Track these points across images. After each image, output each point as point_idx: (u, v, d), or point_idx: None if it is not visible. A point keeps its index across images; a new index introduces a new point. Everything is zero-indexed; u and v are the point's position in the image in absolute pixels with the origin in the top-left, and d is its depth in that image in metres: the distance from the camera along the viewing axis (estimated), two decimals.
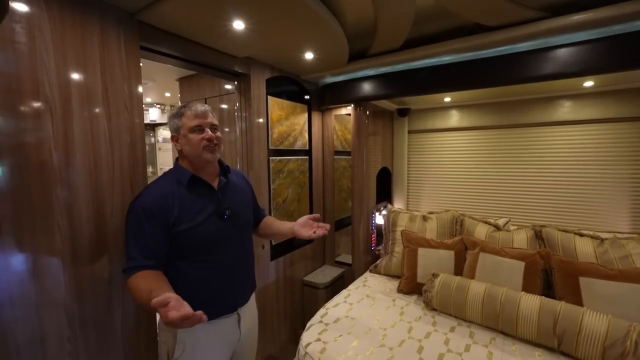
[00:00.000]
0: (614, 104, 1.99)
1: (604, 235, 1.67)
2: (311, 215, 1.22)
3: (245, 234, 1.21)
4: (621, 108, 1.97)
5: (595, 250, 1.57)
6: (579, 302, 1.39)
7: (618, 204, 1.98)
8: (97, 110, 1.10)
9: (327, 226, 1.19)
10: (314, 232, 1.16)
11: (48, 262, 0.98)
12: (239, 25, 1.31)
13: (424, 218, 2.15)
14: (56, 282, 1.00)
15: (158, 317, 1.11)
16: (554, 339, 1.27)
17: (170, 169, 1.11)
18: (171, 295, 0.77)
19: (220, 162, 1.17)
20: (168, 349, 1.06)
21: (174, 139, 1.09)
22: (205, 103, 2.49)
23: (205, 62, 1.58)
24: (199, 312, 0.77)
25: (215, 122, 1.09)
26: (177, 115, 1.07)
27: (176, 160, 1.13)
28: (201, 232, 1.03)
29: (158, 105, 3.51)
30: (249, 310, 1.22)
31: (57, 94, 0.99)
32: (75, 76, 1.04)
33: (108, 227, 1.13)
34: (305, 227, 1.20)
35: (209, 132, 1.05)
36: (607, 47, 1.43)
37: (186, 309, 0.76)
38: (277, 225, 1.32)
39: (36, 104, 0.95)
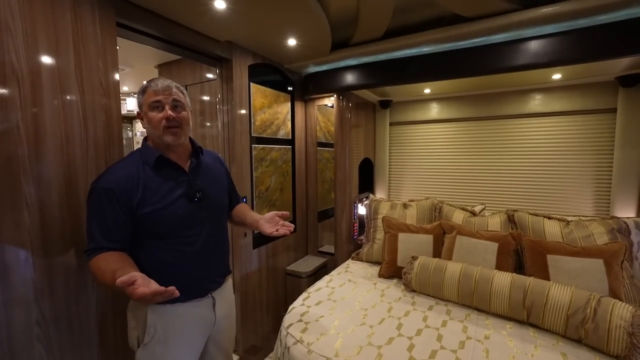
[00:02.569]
0: (580, 97, 2.12)
1: (569, 218, 1.78)
2: (279, 212, 1.15)
3: (219, 217, 1.17)
4: (585, 101, 2.10)
5: (561, 231, 1.67)
6: (546, 277, 1.47)
7: (582, 190, 2.12)
8: (69, 85, 1.06)
9: (291, 227, 1.12)
10: (277, 230, 1.10)
11: (15, 255, 0.93)
12: (220, 4, 1.30)
13: (405, 206, 2.21)
14: (24, 277, 0.95)
15: (129, 303, 1.06)
16: (523, 312, 1.35)
17: (138, 148, 1.05)
18: (136, 274, 0.76)
19: (192, 141, 1.12)
20: (138, 335, 1.00)
21: (139, 116, 1.02)
22: (186, 90, 2.44)
23: (185, 44, 1.55)
24: (171, 287, 0.75)
25: (180, 98, 1.01)
26: (141, 90, 1.00)
27: (144, 139, 1.06)
28: (168, 214, 0.98)
29: (136, 95, 3.39)
30: (225, 295, 1.17)
31: (25, 66, 0.95)
32: (46, 48, 1.00)
33: (82, 211, 1.09)
34: (271, 223, 1.13)
35: (167, 111, 0.97)
36: (573, 40, 1.52)
37: (154, 285, 0.75)
38: (248, 214, 1.25)
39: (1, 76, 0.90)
